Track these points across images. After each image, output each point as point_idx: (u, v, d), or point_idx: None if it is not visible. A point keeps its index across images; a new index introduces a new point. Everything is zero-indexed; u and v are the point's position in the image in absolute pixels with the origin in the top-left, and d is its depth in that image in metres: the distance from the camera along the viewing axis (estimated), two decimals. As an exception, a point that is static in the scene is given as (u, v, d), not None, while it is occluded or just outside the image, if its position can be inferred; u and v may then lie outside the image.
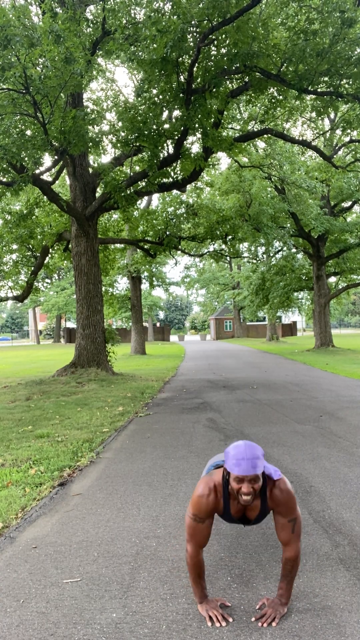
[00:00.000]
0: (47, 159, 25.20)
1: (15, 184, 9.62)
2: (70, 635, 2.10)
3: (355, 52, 9.66)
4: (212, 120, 10.70)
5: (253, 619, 2.18)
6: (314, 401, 8.34)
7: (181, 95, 9.74)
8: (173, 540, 3.00)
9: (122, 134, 10.46)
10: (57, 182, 14.64)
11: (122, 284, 33.97)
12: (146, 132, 10.03)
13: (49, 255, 16.08)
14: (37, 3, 11.00)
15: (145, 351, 26.65)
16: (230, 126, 15.16)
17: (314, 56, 9.37)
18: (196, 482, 4.09)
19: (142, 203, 22.34)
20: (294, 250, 26.28)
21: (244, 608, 2.28)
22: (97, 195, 13.23)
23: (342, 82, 10.26)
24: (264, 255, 29.85)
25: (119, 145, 10.89)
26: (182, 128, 10.43)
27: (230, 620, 2.18)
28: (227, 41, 9.35)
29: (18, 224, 14.11)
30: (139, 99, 10.73)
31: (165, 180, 12.53)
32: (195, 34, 9.43)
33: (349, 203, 24.84)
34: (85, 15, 11.43)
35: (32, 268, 15.26)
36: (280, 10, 10.05)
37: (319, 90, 10.97)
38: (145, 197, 22.01)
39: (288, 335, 53.93)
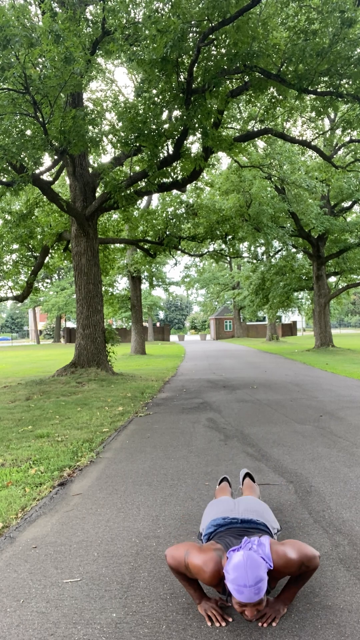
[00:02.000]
0: (47, 159, 25.19)
1: (15, 184, 9.62)
2: (70, 635, 2.10)
3: (355, 52, 9.65)
4: (212, 120, 10.69)
5: (254, 620, 2.18)
6: (314, 401, 8.34)
7: (181, 95, 9.74)
8: (173, 540, 3.00)
9: (122, 134, 10.46)
10: (57, 182, 14.65)
11: (122, 284, 34.01)
12: (146, 132, 10.02)
13: (49, 255, 16.09)
14: (36, 3, 10.99)
15: (145, 351, 26.65)
16: (230, 126, 15.16)
17: (314, 56, 9.36)
18: (196, 482, 4.09)
19: (142, 203, 22.36)
20: (293, 250, 26.28)
21: (244, 608, 2.28)
22: (97, 195, 13.23)
23: (342, 82, 10.25)
24: (264, 255, 29.84)
25: (118, 145, 10.88)
26: (182, 128, 10.43)
27: (230, 620, 2.18)
28: (227, 41, 9.34)
29: (18, 224, 14.12)
30: (139, 98, 10.72)
31: (165, 180, 12.52)
32: (195, 33, 9.43)
33: (349, 203, 24.84)
34: (85, 15, 11.43)
35: (32, 268, 15.26)
36: (280, 10, 10.04)
37: (318, 90, 10.96)
38: (145, 197, 22.01)
39: (288, 335, 53.95)
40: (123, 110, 10.28)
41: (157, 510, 3.51)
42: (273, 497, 3.68)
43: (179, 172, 12.75)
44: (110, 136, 10.91)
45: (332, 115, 20.61)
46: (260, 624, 2.14)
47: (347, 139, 19.43)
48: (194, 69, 9.48)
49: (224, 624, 2.15)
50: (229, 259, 42.37)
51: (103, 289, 18.02)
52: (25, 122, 9.56)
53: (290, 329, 56.33)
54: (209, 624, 2.16)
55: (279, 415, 7.15)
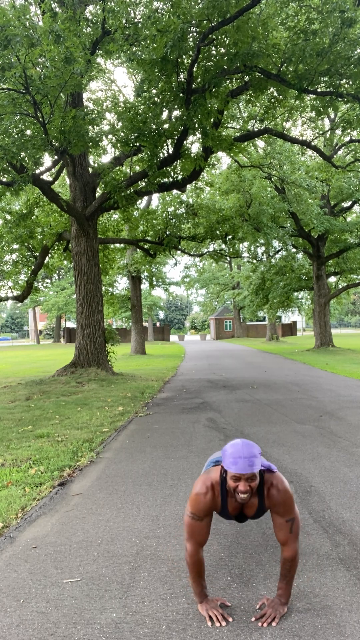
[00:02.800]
0: (47, 159, 25.22)
1: (15, 184, 9.62)
2: (70, 635, 2.11)
3: (355, 52, 9.65)
4: (212, 120, 10.70)
5: (253, 619, 2.18)
6: (314, 401, 8.34)
7: (181, 95, 9.74)
8: (173, 540, 3.00)
9: (122, 133, 10.46)
10: (57, 182, 14.64)
11: (122, 284, 34.00)
12: (146, 132, 10.02)
13: (49, 255, 16.08)
14: (37, 3, 11.00)
15: (145, 351, 26.65)
16: (230, 125, 15.16)
17: (314, 56, 9.36)
18: (196, 482, 4.09)
19: (142, 203, 22.35)
20: (293, 250, 26.27)
21: (244, 608, 2.28)
22: (97, 195, 13.23)
23: (342, 82, 10.25)
24: (264, 255, 29.85)
25: (118, 145, 10.88)
26: (182, 128, 10.43)
27: (230, 620, 2.18)
28: (227, 41, 9.34)
29: (18, 224, 14.11)
30: (139, 98, 10.73)
31: (165, 180, 12.52)
32: (195, 33, 9.43)
33: (349, 203, 24.83)
34: (85, 15, 11.43)
35: (32, 268, 15.26)
36: (280, 10, 10.04)
37: (318, 90, 10.96)
38: (145, 197, 22.00)
39: (288, 335, 53.94)
40: (123, 110, 10.29)
41: (157, 510, 3.51)
42: (273, 497, 3.68)
43: (179, 172, 12.75)
44: (110, 136, 10.91)
45: (332, 115, 20.60)
46: (260, 624, 2.14)
47: (347, 139, 19.41)
48: (194, 69, 9.48)
49: (224, 624, 2.15)
50: (229, 259, 42.35)
51: (103, 289, 18.01)
52: (25, 122, 9.56)
53: (290, 329, 56.32)
54: (209, 624, 2.16)
55: (279, 415, 7.15)
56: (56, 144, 9.52)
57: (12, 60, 8.02)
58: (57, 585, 2.53)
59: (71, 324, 58.85)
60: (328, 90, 10.71)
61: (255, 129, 14.22)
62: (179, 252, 19.89)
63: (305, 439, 5.58)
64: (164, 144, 11.16)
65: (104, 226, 17.35)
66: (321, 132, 19.14)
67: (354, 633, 2.07)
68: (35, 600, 2.40)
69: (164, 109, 10.61)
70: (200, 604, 2.26)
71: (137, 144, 10.73)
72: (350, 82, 10.19)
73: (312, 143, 16.54)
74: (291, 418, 6.87)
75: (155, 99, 10.29)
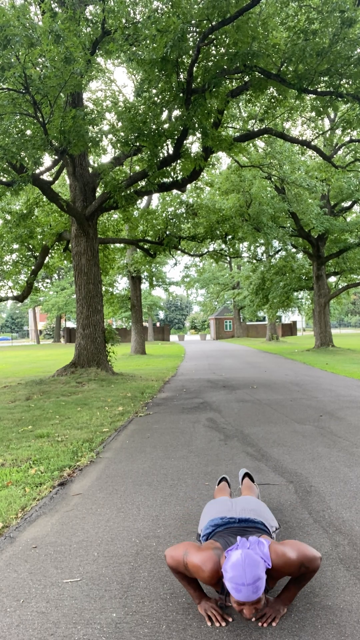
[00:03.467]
0: (47, 159, 25.22)
1: (15, 184, 9.62)
2: (70, 635, 2.11)
3: (355, 52, 9.65)
4: (212, 120, 10.69)
5: (253, 619, 2.18)
6: (314, 401, 8.34)
7: (181, 95, 9.74)
8: (173, 540, 3.00)
9: (122, 133, 10.46)
10: (57, 182, 14.65)
11: (122, 284, 34.00)
12: (146, 132, 10.02)
13: (49, 255, 16.09)
14: (36, 3, 11.00)
15: (145, 351, 26.65)
16: (230, 125, 15.15)
17: (314, 56, 9.36)
18: (196, 482, 4.09)
19: (142, 203, 22.35)
20: (293, 250, 26.27)
21: (244, 608, 2.28)
22: (97, 195, 13.23)
23: (342, 82, 10.24)
24: (264, 255, 29.85)
25: (118, 145, 10.88)
26: (181, 128, 10.42)
27: (230, 620, 2.18)
28: (227, 41, 9.34)
29: (18, 224, 14.11)
30: (139, 98, 10.72)
31: (165, 180, 12.52)
32: (195, 33, 9.42)
33: (349, 203, 24.83)
34: (85, 15, 11.43)
35: (32, 268, 15.26)
36: (280, 10, 10.03)
37: (318, 90, 10.96)
38: (145, 197, 22.01)
39: (288, 335, 53.94)
40: (123, 110, 10.28)
41: (157, 510, 3.51)
42: (273, 497, 3.68)
43: (179, 172, 12.75)
44: (110, 136, 10.91)
45: (332, 115, 20.61)
46: (260, 624, 2.14)
47: (347, 138, 19.42)
48: (194, 68, 9.47)
49: (224, 623, 2.15)
50: (229, 259, 42.37)
51: (103, 288, 18.02)
52: (25, 122, 9.57)
53: (290, 329, 56.33)
54: (209, 624, 2.16)
55: (279, 415, 7.15)
56: (56, 144, 9.52)
57: (12, 60, 8.02)
58: (57, 585, 2.53)
59: (71, 324, 58.86)
60: (328, 90, 10.71)
61: (255, 129, 14.22)
62: (179, 252, 19.90)
63: (305, 439, 5.58)
64: (164, 144, 11.16)
65: (104, 226, 17.36)
66: (321, 132, 19.13)
67: (354, 633, 2.07)
68: (35, 600, 2.40)
69: (164, 109, 10.60)
70: (199, 604, 2.26)
71: (137, 144, 10.72)
72: (350, 82, 10.19)
73: (312, 143, 16.54)
74: (291, 418, 6.87)
75: (155, 99, 10.28)
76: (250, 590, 1.90)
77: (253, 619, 2.05)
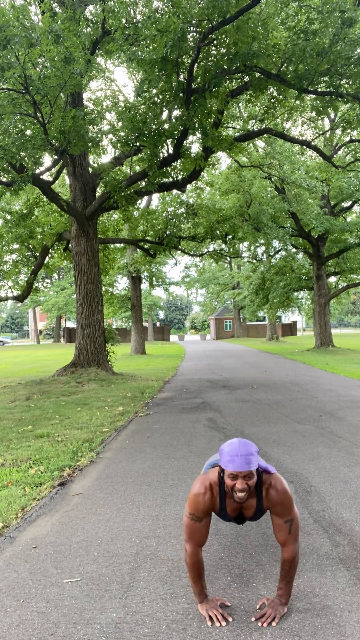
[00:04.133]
0: (47, 159, 25.19)
1: (15, 184, 9.62)
2: (70, 635, 2.11)
3: (355, 52, 9.65)
4: (212, 120, 10.69)
5: (253, 619, 2.18)
6: (314, 401, 8.34)
7: (181, 95, 9.74)
8: (173, 540, 3.00)
9: (122, 133, 10.46)
10: (57, 182, 14.65)
11: (122, 284, 33.99)
12: (146, 132, 10.02)
13: (49, 255, 16.09)
14: (36, 3, 10.99)
15: (145, 351, 26.65)
16: (230, 125, 15.16)
17: (314, 56, 9.36)
18: (196, 482, 4.09)
19: (142, 203, 22.35)
20: (293, 250, 26.28)
21: (244, 608, 2.28)
22: (97, 195, 13.23)
23: (342, 82, 10.25)
24: (264, 255, 29.85)
25: (118, 145, 10.88)
26: (182, 128, 10.43)
27: (230, 620, 2.18)
28: (227, 41, 9.34)
29: (18, 224, 14.11)
30: (139, 98, 10.72)
31: (165, 180, 12.52)
32: (195, 33, 9.42)
33: (349, 203, 24.83)
34: (85, 15, 11.43)
35: (32, 268, 15.26)
36: (280, 10, 10.03)
37: (319, 90, 10.96)
38: (145, 197, 22.01)
39: (288, 335, 53.93)
40: (123, 110, 10.28)
41: (157, 510, 3.51)
42: (273, 497, 3.68)
43: (179, 172, 12.75)
44: (110, 136, 10.91)
45: (332, 115, 20.59)
46: (260, 624, 2.14)
47: (347, 138, 19.42)
48: (194, 68, 9.47)
49: (224, 623, 2.15)
50: (229, 259, 42.34)
51: (103, 288, 18.02)
52: (25, 122, 9.57)
53: (290, 329, 56.31)
54: (209, 624, 2.16)
55: (279, 415, 7.15)
56: (56, 144, 9.52)
57: (12, 60, 8.02)
58: (57, 585, 2.53)
59: (71, 324, 58.85)
60: (328, 90, 10.71)
61: (255, 129, 14.22)
62: (179, 252, 19.89)
63: (305, 439, 5.58)
64: (164, 144, 11.16)
65: (104, 226, 17.36)
66: (321, 132, 19.14)
67: (354, 633, 2.07)
68: (35, 600, 2.40)
69: (164, 109, 10.60)
70: (200, 604, 2.26)
71: (137, 144, 10.72)
72: (350, 82, 10.19)
73: (312, 143, 16.53)
74: (291, 418, 6.87)
75: (155, 99, 10.28)
76: (242, 460, 2.08)
77: (242, 495, 2.11)
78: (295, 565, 2.24)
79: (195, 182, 17.13)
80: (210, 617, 2.19)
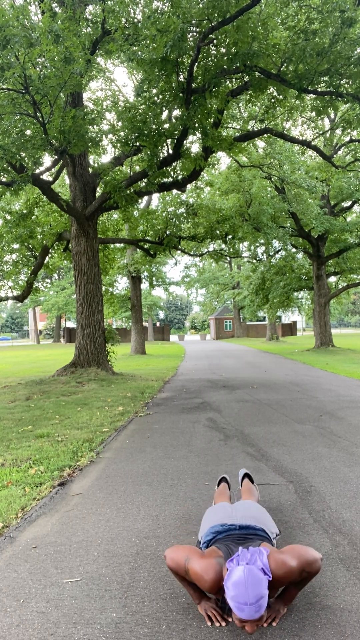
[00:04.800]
0: (47, 159, 25.19)
1: (15, 184, 9.61)
2: (70, 635, 2.11)
3: (355, 52, 9.65)
4: (212, 119, 10.69)
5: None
6: (314, 401, 8.34)
7: (181, 94, 9.73)
8: (173, 540, 3.00)
9: (122, 133, 10.46)
10: (57, 182, 14.65)
11: (122, 284, 33.99)
12: (146, 132, 10.01)
13: (49, 255, 16.09)
14: (36, 3, 10.99)
15: (145, 351, 26.65)
16: (230, 125, 15.16)
17: (314, 56, 9.36)
18: (196, 482, 4.09)
19: (142, 203, 22.34)
20: (293, 250, 26.28)
21: (244, 608, 2.28)
22: (97, 195, 13.23)
23: (342, 82, 10.24)
24: (264, 255, 29.86)
25: (118, 145, 10.88)
26: (182, 128, 10.42)
27: (230, 619, 2.18)
28: (227, 41, 9.33)
29: (18, 224, 14.11)
30: (139, 98, 10.72)
31: (165, 180, 12.52)
32: (195, 33, 9.42)
33: (349, 203, 24.83)
34: (84, 15, 11.43)
35: (32, 268, 15.26)
36: (280, 10, 10.04)
37: (319, 90, 10.96)
38: (145, 197, 22.01)
39: (288, 335, 53.94)
40: (123, 110, 10.28)
41: (157, 510, 3.51)
42: (273, 497, 3.68)
43: (179, 172, 12.75)
44: (110, 136, 10.91)
45: (332, 115, 20.60)
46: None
47: (347, 138, 19.43)
48: (194, 68, 9.47)
49: (224, 623, 2.15)
50: (229, 259, 42.37)
51: (103, 288, 18.02)
52: (25, 122, 9.56)
53: (290, 329, 56.32)
54: (209, 623, 2.16)
55: (279, 415, 7.15)
56: (56, 144, 9.51)
57: (12, 60, 8.01)
58: (57, 585, 2.53)
59: (71, 324, 58.84)
60: (328, 90, 10.71)
61: (255, 129, 14.22)
62: (179, 252, 19.89)
63: (305, 439, 5.58)
64: (164, 144, 11.15)
65: (104, 226, 17.36)
66: (321, 132, 19.13)
67: (354, 633, 2.07)
68: (35, 600, 2.40)
69: (164, 108, 10.60)
70: (199, 604, 2.26)
71: (137, 144, 10.72)
72: (350, 82, 10.19)
73: (312, 143, 16.54)
74: (291, 418, 6.87)
75: (155, 98, 10.28)
76: (253, 610, 1.86)
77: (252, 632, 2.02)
78: (314, 576, 2.19)
79: (195, 182, 17.13)
80: (210, 617, 2.18)
